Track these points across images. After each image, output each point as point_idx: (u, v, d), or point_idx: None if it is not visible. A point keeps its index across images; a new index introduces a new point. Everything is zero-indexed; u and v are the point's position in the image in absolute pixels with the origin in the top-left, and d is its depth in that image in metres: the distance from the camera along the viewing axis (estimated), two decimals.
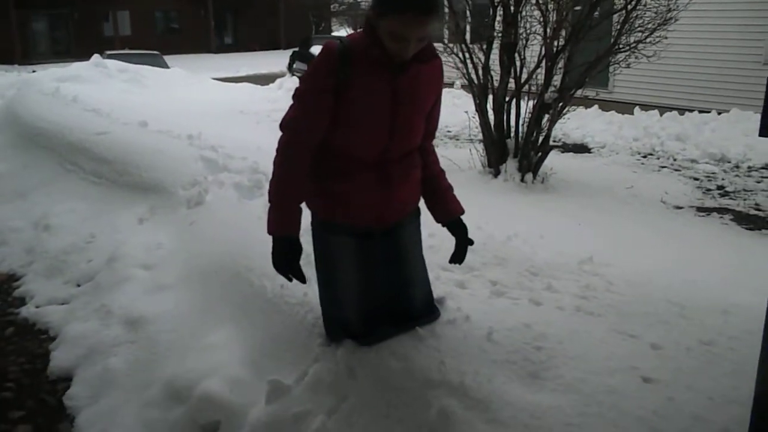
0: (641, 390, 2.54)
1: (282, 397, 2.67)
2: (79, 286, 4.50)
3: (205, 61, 29.89)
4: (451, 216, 2.84)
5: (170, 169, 5.74)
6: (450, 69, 7.67)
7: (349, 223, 2.66)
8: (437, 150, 2.94)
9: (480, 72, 7.43)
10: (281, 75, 19.88)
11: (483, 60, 7.44)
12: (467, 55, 7.40)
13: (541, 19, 7.08)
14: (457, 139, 10.21)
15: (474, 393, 2.42)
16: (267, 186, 2.72)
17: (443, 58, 7.35)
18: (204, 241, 4.32)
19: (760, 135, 1.76)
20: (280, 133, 2.54)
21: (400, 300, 2.83)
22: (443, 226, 2.87)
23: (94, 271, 4.56)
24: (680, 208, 6.77)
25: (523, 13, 7.21)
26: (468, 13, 8.17)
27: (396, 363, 2.60)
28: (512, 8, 7.12)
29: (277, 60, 28.01)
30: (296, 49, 21.72)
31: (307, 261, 3.39)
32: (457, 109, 9.56)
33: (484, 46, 7.47)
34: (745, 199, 7.23)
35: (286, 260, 2.53)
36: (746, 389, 2.59)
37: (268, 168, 2.62)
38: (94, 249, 4.89)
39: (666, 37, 7.78)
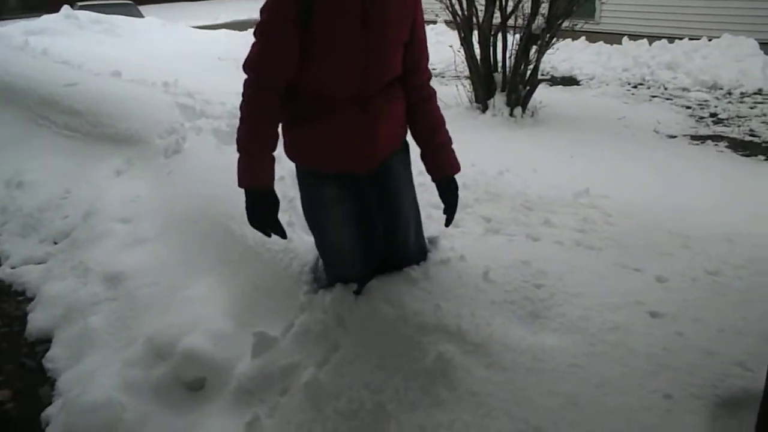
0: (648, 325, 2.40)
1: (268, 350, 2.53)
2: (55, 243, 4.33)
3: (182, 10, 29.01)
4: (438, 174, 2.57)
5: (145, 118, 5.50)
6: (432, 3, 7.38)
7: (334, 169, 2.40)
8: None
9: (464, 4, 7.12)
10: None
11: None
12: None
13: None
14: (443, 76, 9.92)
15: (472, 337, 2.26)
16: None
17: None
18: (182, 191, 4.12)
19: None
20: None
21: (394, 245, 2.61)
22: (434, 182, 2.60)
23: (70, 227, 4.38)
24: (674, 137, 6.58)
25: None
26: None
27: (388, 309, 2.43)
28: None
29: (257, 5, 27.28)
30: None
31: (291, 206, 3.25)
32: (441, 46, 9.21)
33: None
34: (739, 126, 7.04)
35: (261, 215, 2.29)
36: (755, 319, 2.47)
37: None
38: (70, 205, 4.69)
39: None
